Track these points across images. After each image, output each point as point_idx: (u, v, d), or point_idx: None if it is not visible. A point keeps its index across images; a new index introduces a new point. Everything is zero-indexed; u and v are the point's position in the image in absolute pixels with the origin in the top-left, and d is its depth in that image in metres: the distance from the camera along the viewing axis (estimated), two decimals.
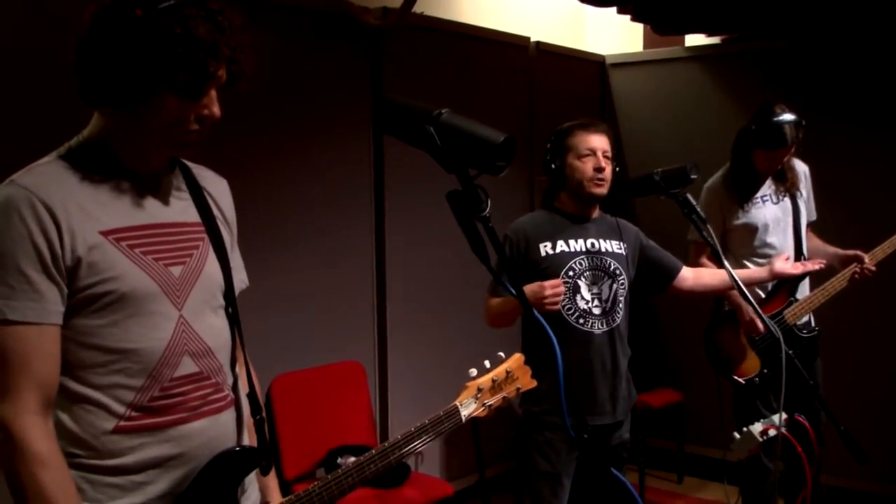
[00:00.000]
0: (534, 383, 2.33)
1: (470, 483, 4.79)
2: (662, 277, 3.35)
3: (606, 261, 3.17)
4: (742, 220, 3.86)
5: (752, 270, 3.60)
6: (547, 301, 2.90)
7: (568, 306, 3.08)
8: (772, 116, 3.66)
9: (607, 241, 3.20)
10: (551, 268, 3.10)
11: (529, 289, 2.93)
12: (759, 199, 3.86)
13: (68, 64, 1.61)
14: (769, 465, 3.71)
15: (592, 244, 3.17)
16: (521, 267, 3.12)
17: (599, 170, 3.12)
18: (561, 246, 3.14)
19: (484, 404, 2.20)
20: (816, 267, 3.60)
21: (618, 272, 3.18)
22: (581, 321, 3.10)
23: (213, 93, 1.63)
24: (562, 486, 3.12)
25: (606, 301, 3.14)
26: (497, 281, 2.99)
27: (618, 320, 3.17)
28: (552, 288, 2.93)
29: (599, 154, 3.14)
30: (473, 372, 2.23)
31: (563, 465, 3.12)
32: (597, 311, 3.12)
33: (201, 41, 1.54)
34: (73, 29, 1.61)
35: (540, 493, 3.13)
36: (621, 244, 3.23)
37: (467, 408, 2.16)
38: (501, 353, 2.30)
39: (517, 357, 2.31)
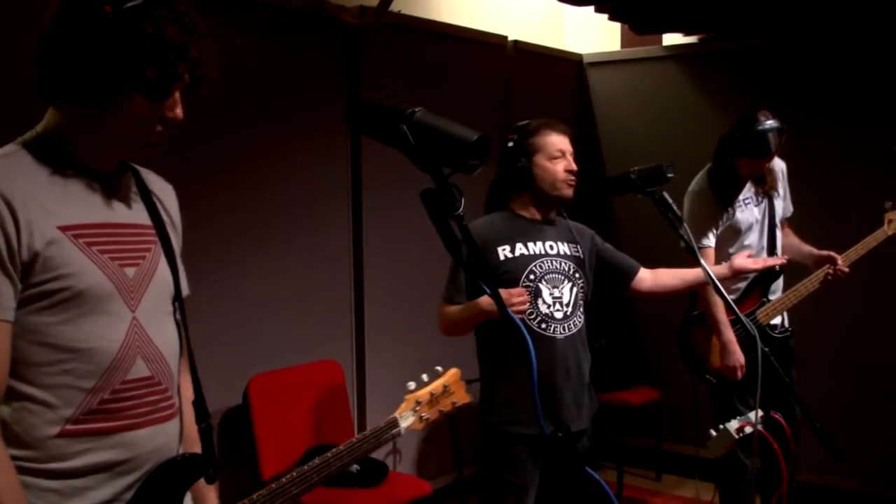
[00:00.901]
0: (468, 398, 2.37)
1: (448, 482, 4.79)
2: (620, 280, 3.28)
3: (565, 263, 3.11)
4: (727, 222, 3.86)
5: (713, 268, 3.56)
6: (514, 309, 2.84)
7: (530, 311, 2.98)
8: (756, 125, 3.64)
9: (564, 244, 3.14)
10: (511, 272, 3.03)
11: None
12: (741, 202, 3.86)
13: (19, 57, 1.59)
14: (746, 461, 3.73)
15: (551, 246, 3.11)
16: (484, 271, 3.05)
17: (571, 171, 3.08)
18: (520, 249, 3.06)
19: (421, 417, 2.23)
20: (777, 262, 3.60)
21: (577, 275, 3.12)
22: (543, 326, 3.02)
23: (178, 95, 1.62)
24: (527, 497, 3.07)
25: (567, 305, 3.07)
26: (471, 283, 2.97)
27: (579, 325, 3.10)
28: (518, 296, 2.87)
29: (568, 155, 3.10)
30: (412, 385, 2.26)
31: (528, 477, 3.06)
32: (558, 315, 3.05)
33: (171, 42, 1.53)
34: (29, 22, 1.59)
35: None
36: (577, 247, 3.17)
37: (406, 420, 2.20)
38: (439, 368, 2.33)
39: (454, 372, 2.35)
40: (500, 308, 1.53)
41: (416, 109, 1.48)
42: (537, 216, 3.15)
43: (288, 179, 4.08)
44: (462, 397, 2.34)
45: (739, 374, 3.74)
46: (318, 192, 4.23)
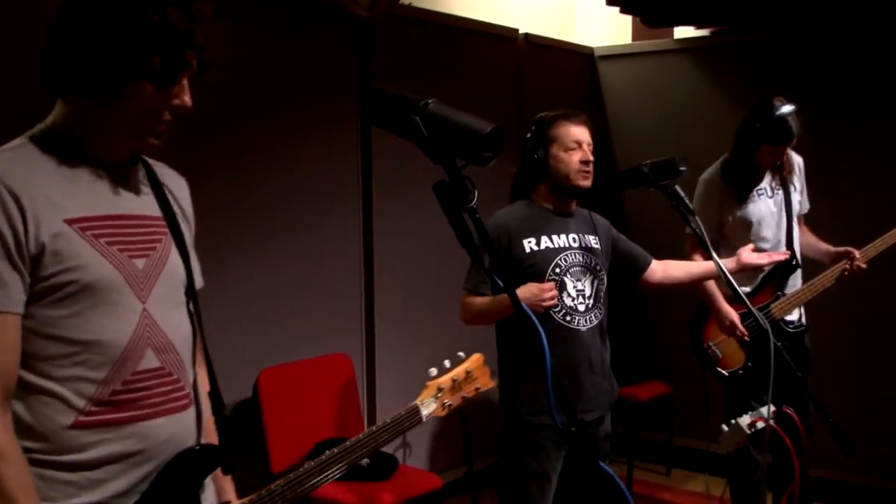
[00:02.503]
0: (493, 384, 2.36)
1: (458, 476, 4.78)
2: (632, 271, 3.31)
3: (588, 256, 3.13)
4: (739, 214, 3.83)
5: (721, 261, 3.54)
6: (545, 305, 2.88)
7: (555, 303, 3.01)
8: (773, 111, 3.62)
9: (586, 236, 3.16)
10: (537, 264, 3.04)
11: (526, 290, 2.90)
12: (755, 194, 3.83)
13: (30, 50, 1.59)
14: (758, 457, 3.71)
15: (574, 239, 3.13)
16: (504, 263, 3.05)
17: (586, 162, 3.08)
18: (545, 242, 3.08)
19: (444, 404, 2.21)
20: (782, 256, 3.58)
21: (598, 267, 3.15)
22: (568, 318, 3.05)
23: (185, 82, 1.62)
24: (549, 484, 3.09)
25: (590, 297, 3.10)
26: (490, 278, 2.96)
27: (601, 316, 3.14)
28: (548, 291, 2.90)
29: (585, 146, 3.09)
30: (433, 371, 2.25)
31: (551, 464, 3.09)
32: (581, 307, 3.08)
33: (176, 29, 1.53)
34: (35, 15, 1.59)
35: (529, 493, 3.09)
36: (597, 238, 3.19)
37: (427, 407, 2.18)
38: (461, 353, 2.31)
39: (477, 357, 2.33)
40: (514, 304, 1.52)
41: (430, 101, 1.46)
42: (558, 207, 3.16)
43: (298, 172, 4.07)
44: (486, 382, 2.32)
45: (741, 328, 3.72)
46: (328, 185, 4.22)
